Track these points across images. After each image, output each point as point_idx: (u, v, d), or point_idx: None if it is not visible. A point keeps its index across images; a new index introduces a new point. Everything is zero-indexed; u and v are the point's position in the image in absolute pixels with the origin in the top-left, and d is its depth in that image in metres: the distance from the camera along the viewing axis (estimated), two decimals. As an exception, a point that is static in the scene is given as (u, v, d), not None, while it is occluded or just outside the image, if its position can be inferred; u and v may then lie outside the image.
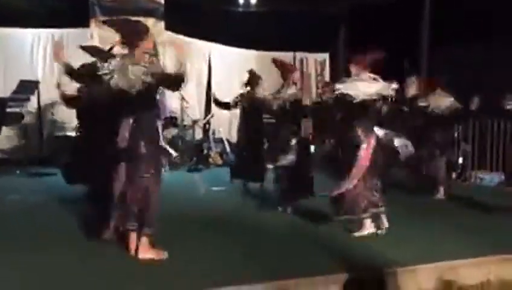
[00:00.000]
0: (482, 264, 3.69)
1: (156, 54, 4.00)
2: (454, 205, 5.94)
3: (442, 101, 6.21)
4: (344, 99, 4.33)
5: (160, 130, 3.97)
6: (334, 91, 4.41)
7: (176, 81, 3.65)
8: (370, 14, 10.07)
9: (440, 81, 6.30)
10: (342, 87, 4.34)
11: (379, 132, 4.41)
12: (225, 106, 7.00)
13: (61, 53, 3.79)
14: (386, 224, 4.40)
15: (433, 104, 6.22)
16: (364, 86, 4.29)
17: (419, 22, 9.21)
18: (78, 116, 5.77)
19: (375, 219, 4.39)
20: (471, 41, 7.96)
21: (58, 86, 5.54)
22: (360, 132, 4.32)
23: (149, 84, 3.58)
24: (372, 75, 4.37)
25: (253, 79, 6.52)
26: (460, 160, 8.05)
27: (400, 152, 4.45)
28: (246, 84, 6.59)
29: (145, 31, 3.76)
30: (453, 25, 8.28)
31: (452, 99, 6.19)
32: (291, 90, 5.35)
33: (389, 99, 4.40)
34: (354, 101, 4.27)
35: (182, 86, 3.69)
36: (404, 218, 5.01)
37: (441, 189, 6.29)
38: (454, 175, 7.87)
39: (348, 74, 4.53)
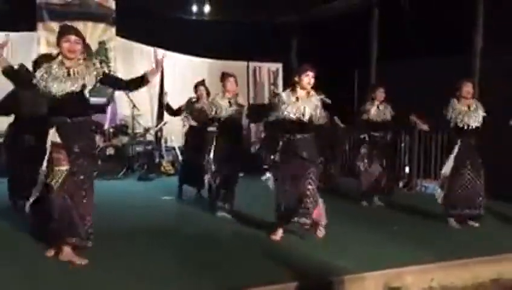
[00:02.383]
0: (426, 271, 3.81)
1: (107, 60, 3.92)
2: (398, 212, 6.12)
3: (385, 113, 6.42)
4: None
5: (97, 137, 3.93)
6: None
7: None
8: (322, 26, 10.28)
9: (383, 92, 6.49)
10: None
11: None
12: (175, 112, 6.97)
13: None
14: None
15: (376, 115, 6.41)
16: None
17: (369, 35, 9.48)
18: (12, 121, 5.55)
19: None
20: (416, 56, 8.27)
21: None
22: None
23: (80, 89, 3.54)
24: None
25: (199, 89, 6.64)
26: (407, 169, 8.33)
27: None
28: (196, 92, 6.66)
29: (63, 33, 3.69)
30: (399, 40, 8.58)
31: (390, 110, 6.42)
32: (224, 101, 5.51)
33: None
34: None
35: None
36: (348, 226, 5.11)
37: (375, 196, 6.48)
38: (401, 184, 8.17)
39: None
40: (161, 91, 10.67)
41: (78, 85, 3.57)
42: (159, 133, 10.15)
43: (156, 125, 10.19)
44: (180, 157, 9.54)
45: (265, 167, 7.20)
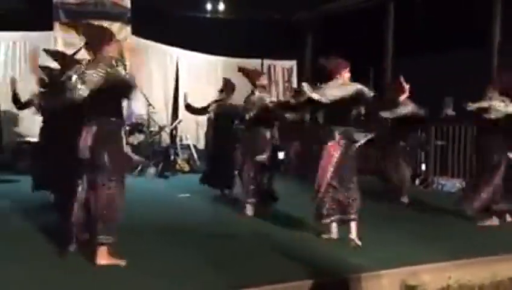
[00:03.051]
0: (443, 269, 3.77)
1: (122, 60, 3.96)
2: (415, 210, 6.06)
3: (405, 109, 6.34)
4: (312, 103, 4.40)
5: (124, 137, 3.94)
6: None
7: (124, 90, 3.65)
8: (337, 23, 10.24)
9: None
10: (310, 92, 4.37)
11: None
12: (200, 111, 6.94)
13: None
14: (352, 233, 4.29)
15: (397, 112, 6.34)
16: (332, 91, 4.34)
17: (384, 31, 9.40)
18: (42, 122, 5.69)
19: (342, 224, 4.41)
20: (433, 52, 8.19)
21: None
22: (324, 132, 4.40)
23: (105, 90, 3.54)
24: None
25: (227, 87, 6.55)
26: (423, 166, 8.26)
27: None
28: (221, 91, 6.62)
29: (109, 36, 3.71)
30: (416, 35, 8.50)
31: (413, 105, 6.33)
32: (261, 95, 5.43)
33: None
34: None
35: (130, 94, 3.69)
36: (366, 224, 5.08)
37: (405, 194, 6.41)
38: (417, 181, 8.09)
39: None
40: (176, 89, 10.76)
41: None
42: (174, 131, 10.21)
43: (171, 124, 10.26)
44: (195, 156, 9.60)
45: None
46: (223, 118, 6.50)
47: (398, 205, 6.33)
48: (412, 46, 8.74)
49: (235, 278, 3.37)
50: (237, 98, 6.33)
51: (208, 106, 6.72)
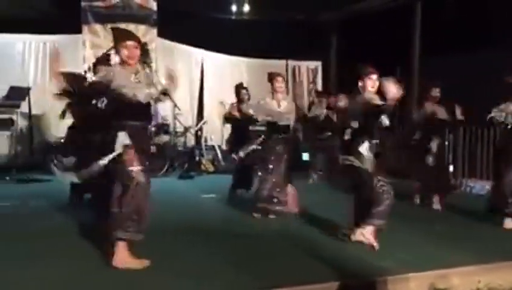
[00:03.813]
0: (472, 273, 3.70)
1: (149, 62, 4.00)
2: (444, 213, 5.97)
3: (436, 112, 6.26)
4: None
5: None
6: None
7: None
8: (362, 23, 10.15)
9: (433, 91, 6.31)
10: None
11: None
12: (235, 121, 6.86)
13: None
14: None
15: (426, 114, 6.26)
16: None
17: (411, 31, 9.28)
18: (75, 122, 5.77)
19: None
20: (461, 51, 8.05)
21: None
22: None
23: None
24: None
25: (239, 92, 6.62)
26: (451, 168, 8.11)
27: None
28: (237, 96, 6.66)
29: (124, 37, 3.72)
30: (443, 35, 8.37)
31: (442, 109, 6.23)
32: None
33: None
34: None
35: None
36: (394, 226, 5.03)
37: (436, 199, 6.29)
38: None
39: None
40: (201, 91, 10.84)
41: (145, 93, 3.63)
42: (199, 132, 10.29)
43: (196, 125, 10.34)
44: (220, 156, 9.65)
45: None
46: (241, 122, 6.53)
47: (426, 207, 6.24)
48: (439, 45, 8.60)
49: (261, 279, 3.38)
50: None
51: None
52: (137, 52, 3.68)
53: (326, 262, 3.74)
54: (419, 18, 9.19)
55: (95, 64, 4.40)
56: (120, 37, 3.70)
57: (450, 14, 8.29)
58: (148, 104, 3.72)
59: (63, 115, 5.96)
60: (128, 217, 3.56)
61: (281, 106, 5.46)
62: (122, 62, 3.67)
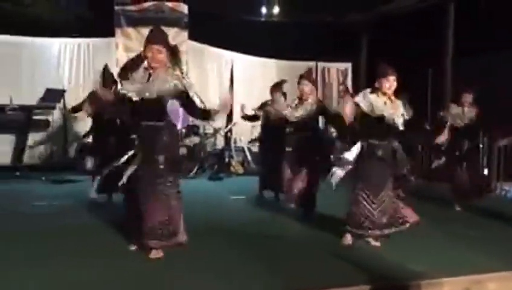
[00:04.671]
0: (509, 278, 3.61)
1: (180, 64, 4.05)
2: (478, 217, 5.84)
3: (467, 114, 6.12)
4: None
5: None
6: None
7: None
8: (393, 23, 10.03)
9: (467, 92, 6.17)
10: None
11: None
12: (253, 118, 6.98)
13: None
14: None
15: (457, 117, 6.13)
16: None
17: (443, 31, 9.12)
18: (98, 125, 5.90)
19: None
20: (494, 52, 7.86)
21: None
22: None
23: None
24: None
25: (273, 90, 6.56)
26: (486, 171, 7.92)
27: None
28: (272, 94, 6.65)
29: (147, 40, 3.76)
30: (478, 35, 8.19)
31: (474, 110, 6.10)
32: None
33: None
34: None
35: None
36: (428, 229, 4.95)
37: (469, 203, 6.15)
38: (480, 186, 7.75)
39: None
40: (231, 92, 10.90)
41: (153, 93, 3.67)
42: (228, 134, 10.35)
43: (226, 126, 10.40)
44: (249, 158, 9.68)
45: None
46: (273, 122, 6.51)
47: (459, 211, 6.12)
48: (472, 46, 8.42)
49: (292, 281, 3.37)
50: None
51: (256, 114, 6.77)
52: (161, 56, 3.68)
53: (358, 265, 3.71)
54: (452, 18, 9.02)
55: (122, 69, 4.46)
56: (147, 39, 3.73)
57: (484, 13, 8.10)
58: (161, 103, 3.69)
59: (88, 134, 6.19)
60: (160, 224, 3.64)
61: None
62: (148, 65, 3.70)
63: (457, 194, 6.20)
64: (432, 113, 6.84)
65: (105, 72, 5.88)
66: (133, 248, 3.92)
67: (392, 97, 4.22)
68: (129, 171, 3.69)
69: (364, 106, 4.19)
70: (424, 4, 9.32)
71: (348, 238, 4.33)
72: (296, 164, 5.37)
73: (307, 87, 5.32)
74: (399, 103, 4.24)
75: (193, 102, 3.82)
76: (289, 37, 10.27)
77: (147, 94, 3.67)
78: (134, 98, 3.65)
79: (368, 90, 4.29)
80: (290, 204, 5.50)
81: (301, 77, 5.44)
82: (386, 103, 4.18)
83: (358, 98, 4.25)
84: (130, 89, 3.67)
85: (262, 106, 6.65)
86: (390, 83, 4.16)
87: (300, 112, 5.30)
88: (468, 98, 6.08)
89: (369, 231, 4.22)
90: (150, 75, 3.71)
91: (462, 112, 6.08)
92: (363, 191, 4.20)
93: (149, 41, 3.69)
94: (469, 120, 6.07)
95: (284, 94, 6.50)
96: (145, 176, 3.68)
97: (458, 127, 6.09)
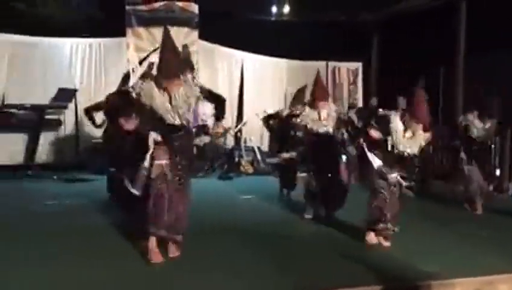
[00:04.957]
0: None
1: (192, 65, 4.07)
2: (489, 217, 5.79)
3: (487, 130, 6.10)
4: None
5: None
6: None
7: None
8: (404, 22, 9.97)
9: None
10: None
11: None
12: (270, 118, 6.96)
13: None
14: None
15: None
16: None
17: (455, 29, 9.04)
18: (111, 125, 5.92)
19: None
20: (509, 49, 7.76)
21: None
22: None
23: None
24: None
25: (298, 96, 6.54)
26: (498, 171, 7.85)
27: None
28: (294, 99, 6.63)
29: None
30: (490, 33, 8.10)
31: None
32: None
33: None
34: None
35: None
36: (440, 230, 4.92)
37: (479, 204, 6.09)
38: (491, 187, 7.68)
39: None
40: (241, 92, 10.91)
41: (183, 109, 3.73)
42: (238, 133, 10.35)
43: (236, 126, 10.41)
44: (259, 157, 9.68)
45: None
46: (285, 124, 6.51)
47: (471, 211, 6.06)
48: (484, 44, 8.33)
49: (303, 281, 3.37)
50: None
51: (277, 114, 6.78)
52: (179, 82, 3.69)
53: (369, 265, 3.70)
54: (464, 16, 8.94)
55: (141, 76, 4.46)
56: (164, 73, 3.70)
57: (495, 12, 8.01)
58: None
59: (101, 126, 6.16)
60: (159, 213, 3.64)
61: None
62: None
63: (467, 194, 6.16)
64: (443, 112, 6.79)
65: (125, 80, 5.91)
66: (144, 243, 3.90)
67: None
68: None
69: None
70: (436, 2, 9.24)
71: (372, 237, 4.34)
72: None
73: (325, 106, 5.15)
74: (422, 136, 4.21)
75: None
76: (299, 36, 10.23)
77: (177, 121, 3.72)
78: (177, 123, 3.72)
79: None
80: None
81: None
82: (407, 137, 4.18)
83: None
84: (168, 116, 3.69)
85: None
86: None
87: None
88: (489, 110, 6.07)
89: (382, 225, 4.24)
90: (169, 96, 3.71)
91: (483, 127, 6.07)
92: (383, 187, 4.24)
93: (166, 76, 3.67)
94: (487, 133, 6.05)
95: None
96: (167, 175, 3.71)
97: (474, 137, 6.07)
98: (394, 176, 4.25)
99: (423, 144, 4.26)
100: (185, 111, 3.74)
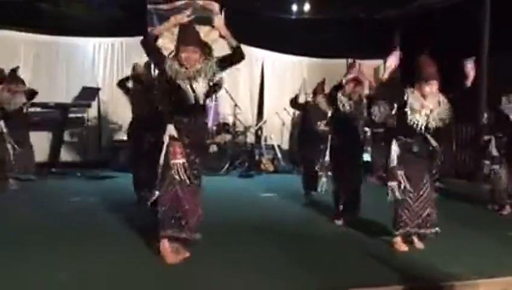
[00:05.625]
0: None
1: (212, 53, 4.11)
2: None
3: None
4: None
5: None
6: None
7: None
8: (427, 18, 9.82)
9: None
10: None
11: None
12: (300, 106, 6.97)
13: None
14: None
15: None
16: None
17: (480, 24, 8.87)
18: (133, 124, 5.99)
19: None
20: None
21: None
22: None
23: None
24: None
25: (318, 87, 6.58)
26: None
27: None
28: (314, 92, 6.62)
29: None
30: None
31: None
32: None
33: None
34: None
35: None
36: (465, 230, 4.85)
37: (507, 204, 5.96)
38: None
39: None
40: (261, 90, 10.91)
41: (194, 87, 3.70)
42: (259, 132, 10.36)
43: (256, 124, 10.42)
44: (279, 156, 9.67)
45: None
46: (309, 119, 6.49)
47: (496, 211, 5.95)
48: (510, 38, 8.15)
49: (325, 280, 3.36)
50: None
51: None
52: (196, 56, 3.73)
53: (392, 265, 3.66)
54: (489, 11, 8.77)
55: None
56: (181, 41, 3.77)
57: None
58: (198, 101, 3.72)
59: (123, 83, 6.20)
60: (172, 214, 3.60)
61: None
62: (180, 65, 3.71)
63: (492, 194, 6.04)
64: (466, 109, 6.61)
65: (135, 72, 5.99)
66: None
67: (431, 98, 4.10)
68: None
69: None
70: (457, -1, 9.09)
71: (400, 243, 4.16)
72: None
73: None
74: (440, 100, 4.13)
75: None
76: (320, 34, 10.18)
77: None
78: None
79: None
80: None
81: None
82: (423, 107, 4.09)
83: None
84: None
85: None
86: (431, 88, 4.08)
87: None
88: None
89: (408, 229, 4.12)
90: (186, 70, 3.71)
91: None
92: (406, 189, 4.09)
93: (183, 42, 3.73)
94: None
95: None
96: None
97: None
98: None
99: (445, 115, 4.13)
100: (202, 88, 3.70)
